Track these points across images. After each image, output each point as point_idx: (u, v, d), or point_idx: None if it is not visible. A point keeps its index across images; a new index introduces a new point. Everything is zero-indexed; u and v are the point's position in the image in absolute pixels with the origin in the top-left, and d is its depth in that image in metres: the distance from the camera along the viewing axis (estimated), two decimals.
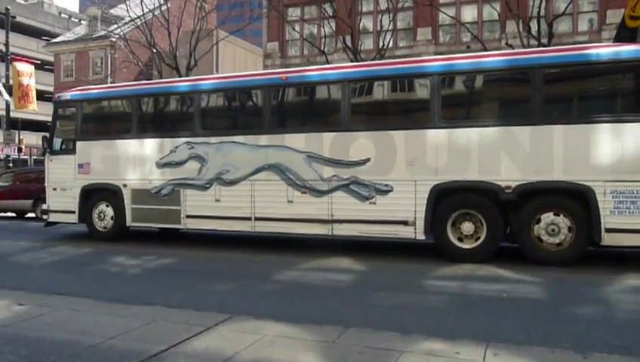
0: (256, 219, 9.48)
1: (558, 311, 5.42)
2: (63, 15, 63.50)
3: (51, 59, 39.13)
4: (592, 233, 7.48)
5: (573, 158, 7.56)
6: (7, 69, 22.55)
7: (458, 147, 8.14)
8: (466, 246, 8.19)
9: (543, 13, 15.87)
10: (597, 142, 7.44)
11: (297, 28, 22.98)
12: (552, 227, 7.70)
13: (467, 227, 8.17)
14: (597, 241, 7.51)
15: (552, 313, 5.35)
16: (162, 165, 10.26)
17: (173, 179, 10.16)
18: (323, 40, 21.69)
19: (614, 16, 18.63)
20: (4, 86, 22.94)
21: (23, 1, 61.58)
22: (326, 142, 8.95)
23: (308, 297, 6.23)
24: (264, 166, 9.37)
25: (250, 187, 9.48)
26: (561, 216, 7.69)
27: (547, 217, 7.74)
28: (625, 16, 11.30)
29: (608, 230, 7.38)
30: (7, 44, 22.50)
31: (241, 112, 10.31)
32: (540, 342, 4.35)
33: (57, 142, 11.58)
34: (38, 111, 25.57)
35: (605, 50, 7.73)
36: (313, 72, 9.64)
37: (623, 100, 7.77)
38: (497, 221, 8.03)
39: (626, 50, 7.61)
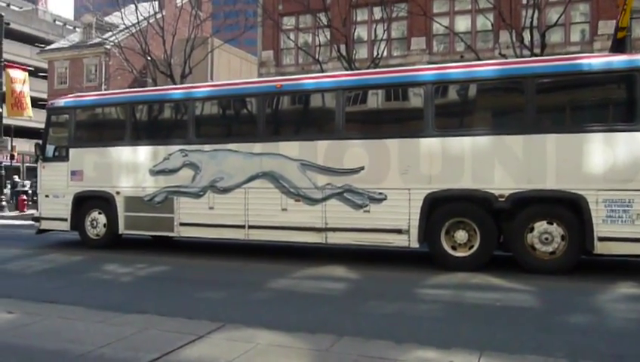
0: (250, 227, 9.45)
1: (552, 320, 5.42)
2: (57, 22, 63.49)
3: (45, 66, 39.03)
4: (584, 241, 7.50)
5: (566, 167, 7.60)
6: (0, 76, 22.46)
7: (451, 155, 8.16)
8: (459, 254, 8.19)
9: (535, 23, 16.01)
10: (589, 151, 7.49)
11: (292, 36, 23.04)
12: (546, 235, 7.72)
13: (461, 235, 8.18)
14: (590, 250, 7.53)
15: (545, 321, 5.35)
16: (156, 173, 10.22)
17: (166, 187, 10.11)
18: (318, 49, 21.79)
19: (606, 27, 18.82)
20: None
21: (17, 8, 61.51)
22: (320, 150, 8.96)
23: (301, 305, 6.20)
24: (258, 174, 9.35)
25: (244, 195, 9.46)
26: (555, 224, 7.71)
27: (540, 226, 7.76)
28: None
29: (601, 238, 7.41)
30: (0, 51, 22.42)
31: (236, 120, 10.30)
32: (533, 350, 4.34)
33: (50, 149, 11.51)
34: (33, 117, 25.45)
35: (597, 60, 7.81)
36: (308, 80, 9.67)
37: (614, 110, 7.84)
38: (491, 229, 8.04)
39: (617, 60, 7.69)
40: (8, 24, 24.98)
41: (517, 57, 15.27)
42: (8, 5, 61.34)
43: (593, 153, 7.47)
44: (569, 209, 7.64)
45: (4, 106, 22.74)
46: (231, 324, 5.06)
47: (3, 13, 24.72)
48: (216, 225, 9.71)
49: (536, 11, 16.00)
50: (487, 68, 8.47)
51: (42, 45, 45.23)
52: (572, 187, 7.53)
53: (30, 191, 24.71)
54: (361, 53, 22.00)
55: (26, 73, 23.98)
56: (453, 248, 8.24)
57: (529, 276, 7.49)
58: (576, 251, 7.67)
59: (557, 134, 7.72)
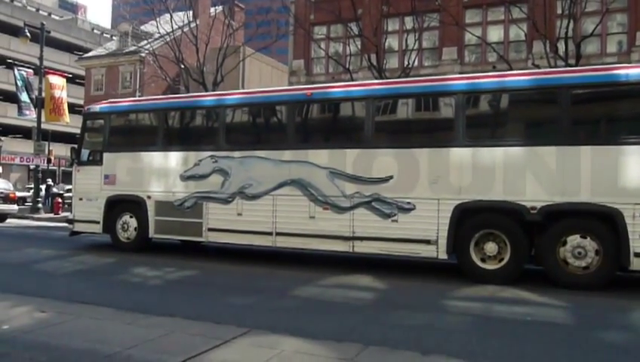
0: (278, 234, 9.47)
1: (584, 337, 5.25)
2: (95, 31, 65.38)
3: (82, 73, 40.14)
4: (620, 257, 7.27)
5: (602, 180, 7.39)
6: (41, 82, 23.19)
7: (482, 166, 8.04)
8: (489, 267, 8.04)
9: (570, 34, 15.71)
10: (626, 164, 7.28)
11: (323, 46, 23.16)
12: (579, 250, 7.51)
13: (490, 247, 8.03)
14: (625, 265, 7.29)
15: (577, 338, 5.20)
16: (186, 178, 10.36)
17: (196, 192, 10.24)
18: (348, 58, 21.83)
19: None
20: (37, 98, 23.57)
21: (58, 17, 63.66)
22: (349, 158, 8.93)
23: (327, 314, 6.17)
24: (286, 181, 9.38)
25: (272, 202, 9.49)
26: (588, 238, 7.50)
27: (574, 240, 7.56)
28: None
29: (638, 254, 7.16)
30: (41, 58, 23.15)
31: (265, 127, 10.38)
32: None
33: (85, 153, 11.79)
34: (69, 123, 26.16)
35: (634, 71, 7.59)
36: (337, 89, 9.69)
37: None
38: (522, 242, 7.87)
39: None
40: (49, 32, 25.80)
41: (551, 68, 15.00)
42: (50, 15, 63.61)
43: (630, 166, 7.25)
44: (604, 223, 7.42)
45: (43, 111, 23.46)
46: (257, 330, 5.06)
47: (45, 22, 25.60)
48: (244, 232, 9.76)
49: (572, 21, 15.70)
50: (519, 78, 8.34)
51: (80, 53, 46.61)
52: (607, 200, 7.31)
53: (64, 194, 25.38)
54: (392, 62, 21.97)
55: (65, 80, 24.72)
56: (483, 260, 8.09)
57: (561, 291, 7.29)
58: (610, 267, 7.43)
59: (592, 146, 7.52)
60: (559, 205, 7.59)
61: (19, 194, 31.62)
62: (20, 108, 24.97)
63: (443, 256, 8.23)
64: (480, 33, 20.55)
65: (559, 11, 17.18)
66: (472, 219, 8.13)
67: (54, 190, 27.67)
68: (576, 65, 14.50)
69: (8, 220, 19.77)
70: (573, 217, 7.64)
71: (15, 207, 20.44)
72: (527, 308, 6.54)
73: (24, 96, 24.59)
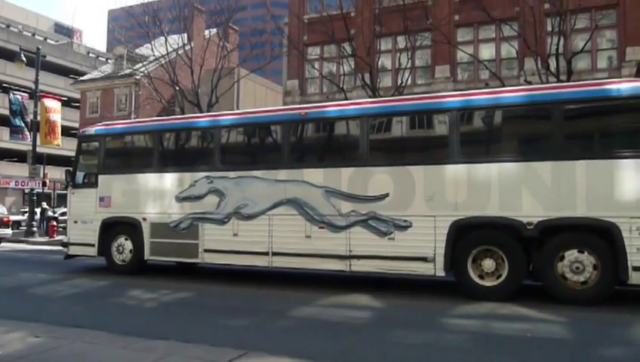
0: (274, 254, 9.42)
1: (585, 353, 5.21)
2: (91, 54, 65.79)
3: (78, 96, 40.23)
4: (618, 271, 7.25)
5: (597, 194, 7.41)
6: (36, 106, 23.24)
7: (478, 182, 8.05)
8: (487, 283, 8.00)
9: (561, 50, 15.90)
10: (621, 178, 7.30)
11: (317, 66, 23.33)
12: (577, 264, 7.49)
13: (488, 264, 8.00)
14: (624, 279, 7.27)
15: (578, 354, 5.15)
16: (181, 199, 10.33)
17: (191, 213, 10.20)
18: (342, 78, 22.01)
19: (634, 53, 18.58)
20: (32, 122, 23.59)
21: (53, 42, 64.06)
22: (344, 177, 8.94)
23: (326, 334, 6.10)
24: (282, 201, 9.36)
25: (268, 222, 9.46)
26: (586, 253, 7.48)
27: (571, 254, 7.54)
28: None
29: (636, 268, 7.14)
30: (36, 82, 23.22)
31: (260, 147, 10.40)
32: None
33: (80, 176, 11.75)
34: (64, 146, 26.17)
35: (625, 86, 7.67)
36: (332, 108, 9.74)
37: None
38: (519, 258, 7.85)
39: None
40: (45, 57, 25.93)
41: (543, 84, 15.15)
42: (45, 39, 64.04)
43: (625, 180, 7.28)
44: (601, 237, 7.41)
45: (38, 135, 23.46)
46: (254, 352, 4.99)
47: (40, 47, 25.75)
48: (241, 252, 9.70)
49: (562, 38, 15.90)
50: (512, 94, 8.41)
51: (76, 76, 46.78)
52: (604, 214, 7.32)
53: (59, 217, 25.25)
54: (385, 81, 22.12)
55: (60, 103, 24.78)
56: (481, 277, 8.05)
57: (560, 306, 7.24)
58: (609, 281, 7.41)
59: (587, 160, 7.56)
60: (556, 220, 7.59)
61: (14, 217, 31.41)
62: (11, 132, 25.01)
63: (440, 273, 8.19)
64: (472, 51, 20.77)
65: (549, 28, 17.40)
66: (468, 236, 8.11)
67: (49, 213, 27.51)
68: (567, 81, 14.65)
69: (3, 244, 19.60)
70: (570, 232, 7.63)
71: (9, 231, 20.33)
72: (526, 324, 6.48)
73: (17, 120, 24.63)
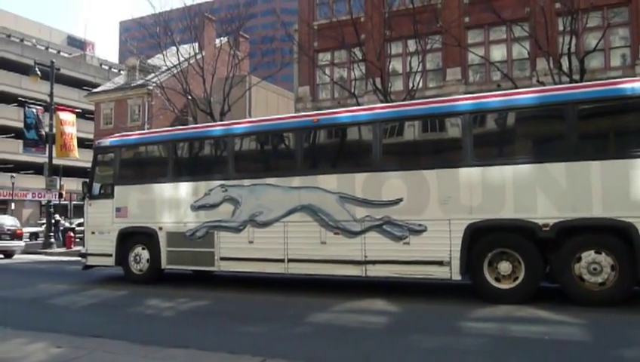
0: (290, 260, 9.46)
1: (604, 354, 5.17)
2: (103, 66, 66.66)
3: (92, 108, 40.74)
4: (636, 271, 7.17)
5: (613, 194, 7.35)
6: (51, 118, 23.60)
7: (492, 185, 8.03)
8: (503, 286, 7.96)
9: (573, 50, 15.79)
10: (637, 178, 7.23)
11: (328, 72, 23.40)
12: (594, 266, 7.43)
13: (504, 267, 7.96)
14: None
15: (597, 356, 5.11)
16: (197, 208, 10.42)
17: (207, 222, 10.28)
18: (353, 83, 22.03)
19: None
20: (47, 135, 23.96)
21: (67, 55, 65.02)
22: (358, 182, 8.96)
23: (342, 340, 6.12)
24: (297, 207, 9.40)
25: (283, 228, 9.51)
26: (603, 254, 7.42)
27: (588, 255, 7.48)
28: None
29: None
30: (51, 95, 23.59)
31: (274, 155, 10.46)
32: None
33: (96, 187, 11.91)
34: (79, 158, 26.52)
35: (638, 84, 7.60)
36: (344, 114, 9.77)
37: None
38: (536, 260, 7.80)
39: None
40: (58, 70, 26.35)
41: (555, 84, 15.06)
42: (59, 52, 65.05)
43: None
44: (618, 237, 7.35)
45: (54, 147, 23.82)
46: (272, 359, 5.03)
47: (54, 60, 26.16)
48: (256, 259, 9.76)
49: (574, 37, 15.80)
50: (525, 95, 8.38)
51: (89, 88, 47.41)
52: (620, 215, 7.26)
53: (75, 228, 25.58)
54: (397, 85, 22.11)
55: (74, 115, 25.13)
56: (497, 280, 8.02)
57: (578, 308, 7.19)
58: (627, 282, 7.33)
59: (601, 161, 7.50)
60: (572, 221, 7.54)
61: (31, 229, 31.86)
62: (24, 145, 25.42)
63: (457, 276, 8.17)
64: (483, 53, 20.70)
65: (561, 28, 17.31)
66: (484, 239, 8.08)
67: (66, 224, 27.87)
68: (580, 81, 14.54)
69: (22, 256, 19.90)
70: (586, 233, 7.58)
71: (22, 243, 20.62)
72: (544, 326, 6.44)
73: (31, 134, 25.03)
